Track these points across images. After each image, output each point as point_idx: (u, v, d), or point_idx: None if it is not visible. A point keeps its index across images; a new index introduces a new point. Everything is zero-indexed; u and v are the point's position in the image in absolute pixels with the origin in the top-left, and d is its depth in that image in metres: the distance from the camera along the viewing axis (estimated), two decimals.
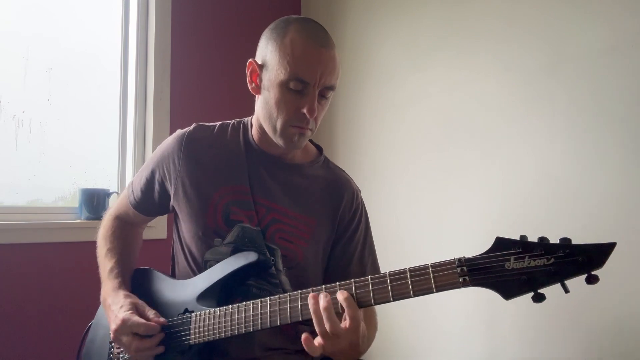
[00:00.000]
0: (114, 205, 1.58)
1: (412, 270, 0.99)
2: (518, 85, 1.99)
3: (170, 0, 2.52)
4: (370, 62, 2.56)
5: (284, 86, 1.22)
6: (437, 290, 0.97)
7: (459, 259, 0.95)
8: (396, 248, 2.26)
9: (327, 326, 1.03)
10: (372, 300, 1.03)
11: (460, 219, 2.14)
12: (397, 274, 1.01)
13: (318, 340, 1.05)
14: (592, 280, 0.87)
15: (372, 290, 1.03)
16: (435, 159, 2.26)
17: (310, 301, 1.06)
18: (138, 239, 1.57)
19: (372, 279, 1.04)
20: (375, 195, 2.38)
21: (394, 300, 1.01)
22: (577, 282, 0.90)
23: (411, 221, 2.34)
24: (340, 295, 1.04)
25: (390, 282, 1.01)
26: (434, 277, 0.97)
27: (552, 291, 0.90)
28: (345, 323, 1.04)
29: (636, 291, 1.66)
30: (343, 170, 1.49)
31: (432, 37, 2.31)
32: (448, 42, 2.24)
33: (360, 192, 1.47)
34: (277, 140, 1.29)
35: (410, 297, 0.99)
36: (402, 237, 2.33)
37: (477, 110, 2.11)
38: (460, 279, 0.94)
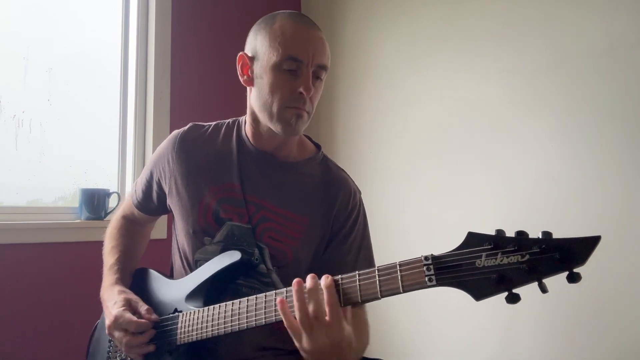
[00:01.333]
0: (122, 205, 1.62)
1: (380, 268, 0.95)
2: (518, 85, 1.97)
3: (170, 0, 2.53)
4: (370, 62, 2.55)
5: (277, 68, 1.22)
6: (405, 291, 0.91)
7: (426, 257, 0.89)
8: (396, 248, 2.23)
9: (310, 308, 0.97)
10: (341, 302, 0.98)
11: (461, 219, 2.12)
12: (365, 273, 0.97)
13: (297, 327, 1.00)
14: (573, 278, 0.79)
15: (342, 289, 0.98)
16: (436, 159, 2.24)
17: (294, 286, 1.01)
18: (144, 237, 1.61)
19: (342, 277, 1.00)
20: (375, 195, 2.37)
21: (363, 301, 0.97)
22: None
23: (411, 221, 2.32)
24: (324, 280, 0.99)
25: (359, 282, 0.97)
26: (401, 276, 0.92)
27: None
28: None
29: None
30: (342, 170, 1.45)
31: (432, 37, 2.30)
32: (448, 42, 2.23)
33: (359, 192, 1.42)
34: (275, 126, 1.26)
35: (378, 298, 0.94)
36: (402, 237, 2.32)
37: (477, 110, 2.10)
38: (427, 279, 0.89)
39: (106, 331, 1.30)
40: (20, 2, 2.26)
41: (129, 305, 1.28)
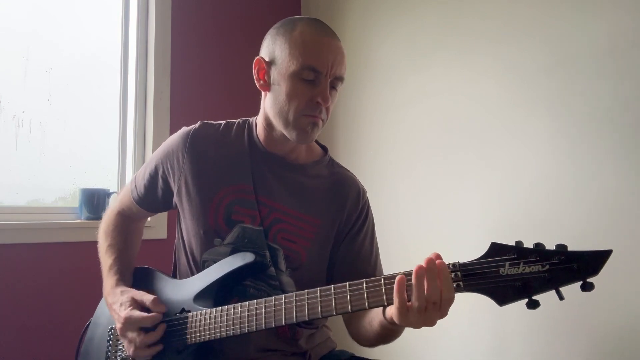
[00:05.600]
0: (117, 200, 1.58)
1: (407, 273, 0.97)
2: (517, 85, 1.98)
3: (170, 0, 2.52)
4: (370, 62, 2.55)
5: (296, 77, 1.23)
6: None
7: (454, 264, 0.93)
8: (397, 248, 2.25)
9: (428, 293, 0.93)
10: (367, 304, 1.01)
11: (460, 219, 2.13)
12: (391, 278, 0.99)
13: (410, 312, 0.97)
14: (587, 287, 0.85)
15: (366, 293, 1.01)
16: (435, 159, 2.25)
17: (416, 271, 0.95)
18: (139, 234, 1.58)
19: (366, 282, 1.02)
20: (375, 196, 2.34)
21: (389, 304, 0.99)
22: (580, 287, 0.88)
23: (411, 221, 2.33)
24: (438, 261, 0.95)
25: (385, 286, 1.00)
26: None
27: (555, 296, 0.89)
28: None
29: (637, 294, 1.65)
30: (348, 170, 1.48)
31: (432, 37, 2.30)
32: (448, 42, 2.23)
33: (366, 192, 1.46)
34: (290, 133, 1.27)
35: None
36: (402, 238, 2.32)
37: (477, 110, 2.10)
38: (454, 285, 0.93)
39: (118, 334, 1.29)
40: (21, 2, 2.24)
41: (135, 303, 1.28)
